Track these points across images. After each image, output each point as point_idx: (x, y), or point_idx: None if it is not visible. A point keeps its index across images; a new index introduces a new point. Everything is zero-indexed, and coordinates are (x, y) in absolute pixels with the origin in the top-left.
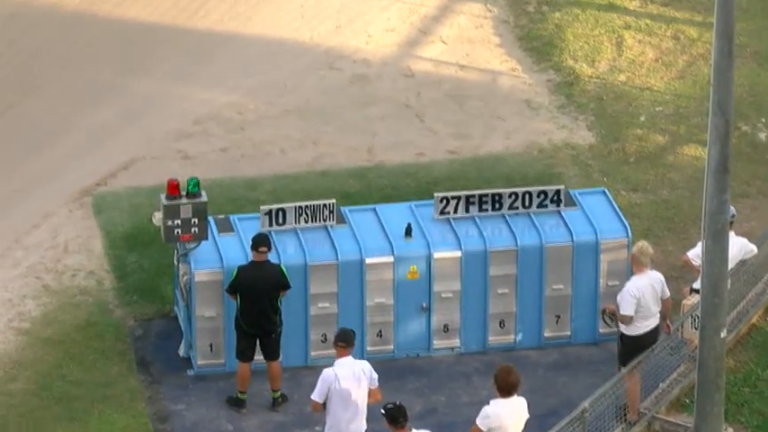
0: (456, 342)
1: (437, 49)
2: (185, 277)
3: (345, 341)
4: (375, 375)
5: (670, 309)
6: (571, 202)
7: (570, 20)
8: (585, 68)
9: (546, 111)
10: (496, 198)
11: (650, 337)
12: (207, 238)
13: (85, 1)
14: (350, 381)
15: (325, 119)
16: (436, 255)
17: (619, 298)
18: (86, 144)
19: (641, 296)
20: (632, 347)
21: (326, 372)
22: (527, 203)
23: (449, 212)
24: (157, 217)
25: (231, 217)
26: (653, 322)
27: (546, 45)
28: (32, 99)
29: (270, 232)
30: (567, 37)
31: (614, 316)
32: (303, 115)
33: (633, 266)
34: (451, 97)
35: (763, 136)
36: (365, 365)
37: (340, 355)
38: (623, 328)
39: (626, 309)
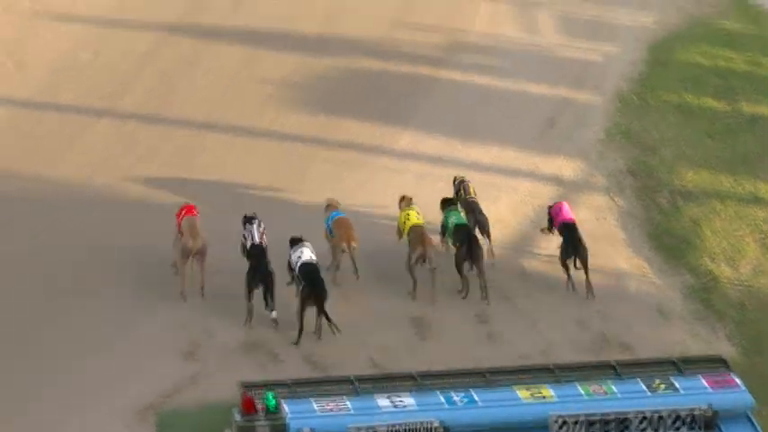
0: None
1: (553, 245)
2: None
3: None
4: None
5: None
6: (711, 425)
7: (708, 214)
8: (726, 270)
9: (679, 318)
10: (621, 419)
11: None
12: None
13: None
14: None
15: None
16: None
17: None
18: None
19: None
20: None
21: None
22: (657, 427)
23: None
24: None
25: None
26: None
27: (680, 243)
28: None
29: None
30: (704, 234)
31: None
32: None
33: None
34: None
35: None
36: None
37: None
38: None
39: None
